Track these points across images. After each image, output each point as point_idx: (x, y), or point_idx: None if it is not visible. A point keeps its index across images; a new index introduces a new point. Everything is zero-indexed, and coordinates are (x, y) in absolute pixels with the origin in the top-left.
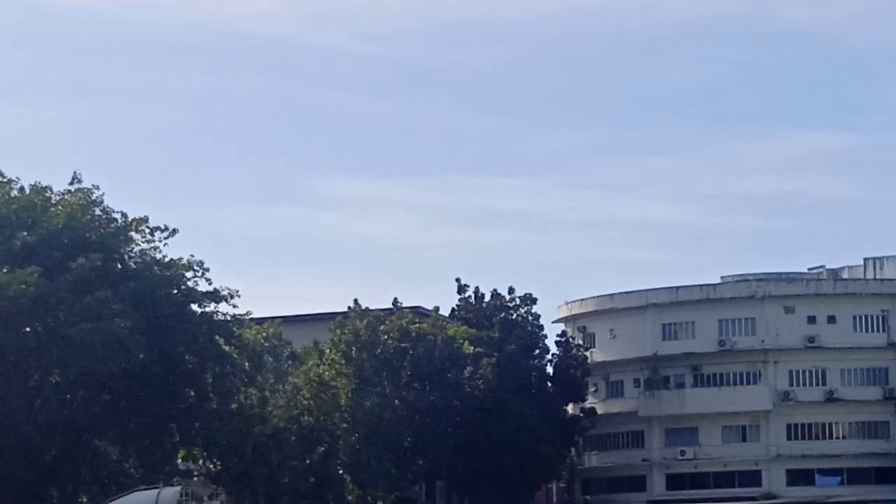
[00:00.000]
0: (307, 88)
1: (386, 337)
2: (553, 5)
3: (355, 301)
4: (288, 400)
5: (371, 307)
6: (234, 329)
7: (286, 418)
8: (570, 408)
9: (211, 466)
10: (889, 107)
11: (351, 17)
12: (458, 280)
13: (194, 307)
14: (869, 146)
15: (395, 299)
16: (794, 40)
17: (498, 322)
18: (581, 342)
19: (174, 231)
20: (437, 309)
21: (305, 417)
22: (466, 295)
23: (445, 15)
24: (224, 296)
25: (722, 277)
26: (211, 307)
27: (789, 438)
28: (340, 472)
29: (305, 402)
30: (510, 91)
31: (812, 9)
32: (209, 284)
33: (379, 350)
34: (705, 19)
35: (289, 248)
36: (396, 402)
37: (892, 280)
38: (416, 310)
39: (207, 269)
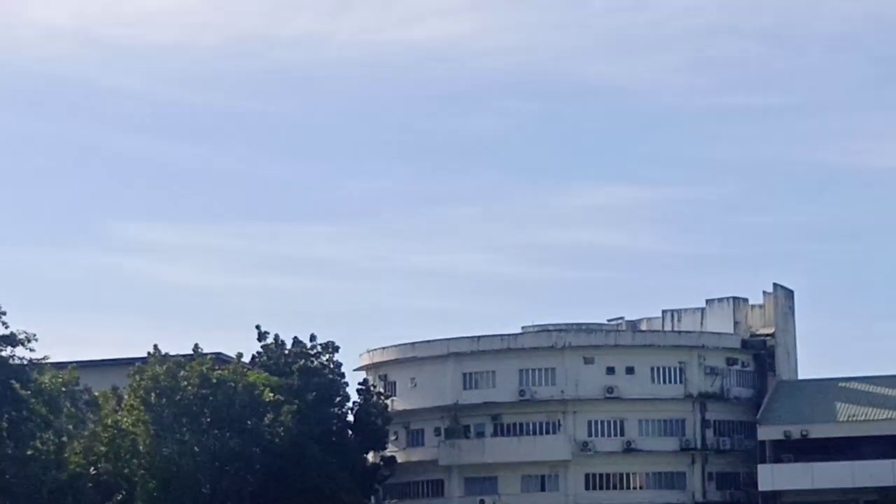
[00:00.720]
0: (105, 131)
1: (186, 383)
2: (357, 55)
3: (155, 347)
4: (85, 446)
5: (172, 353)
6: (31, 373)
7: (83, 464)
8: (370, 456)
9: None
10: (685, 161)
11: (150, 61)
12: (258, 327)
13: None
14: (666, 199)
15: (196, 345)
16: (593, 94)
17: (298, 369)
18: (382, 390)
19: None
20: (239, 356)
21: (103, 464)
22: (267, 342)
23: (247, 61)
24: (21, 339)
25: (523, 327)
26: (7, 351)
27: (588, 488)
28: None
29: (103, 449)
30: (314, 139)
31: (611, 64)
32: (5, 328)
33: (178, 396)
34: (509, 72)
35: (88, 292)
36: (195, 448)
37: (689, 332)
38: (218, 356)
39: (4, 313)
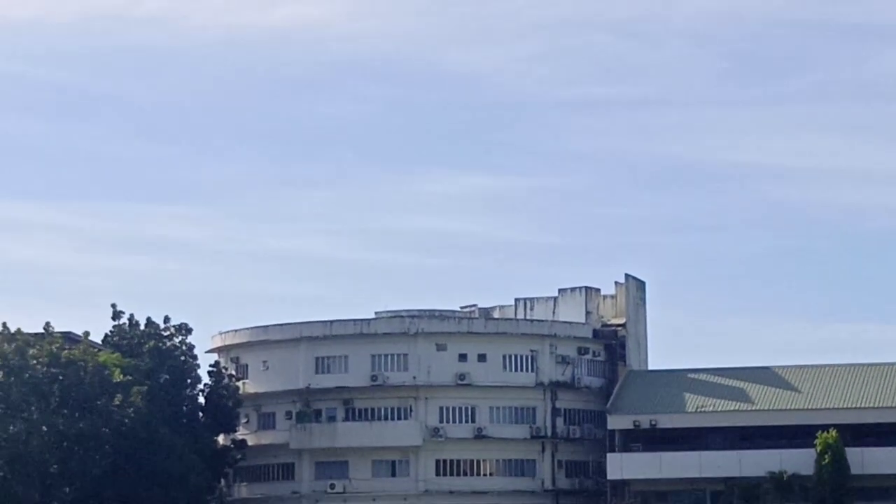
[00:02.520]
0: None
1: (35, 362)
2: (215, 36)
3: (3, 324)
4: None
5: (23, 331)
6: None
7: None
8: (220, 438)
9: None
10: (540, 151)
11: (4, 37)
12: (113, 306)
13: None
14: (521, 189)
15: (48, 323)
16: (451, 82)
17: (150, 350)
18: (234, 373)
19: None
20: (86, 334)
21: None
22: (121, 322)
23: (103, 39)
24: None
25: (376, 313)
26: None
27: (438, 474)
28: None
29: None
30: (169, 119)
31: (469, 53)
32: None
33: (27, 375)
34: (366, 57)
35: None
36: (44, 428)
37: (541, 321)
38: (68, 335)
39: None
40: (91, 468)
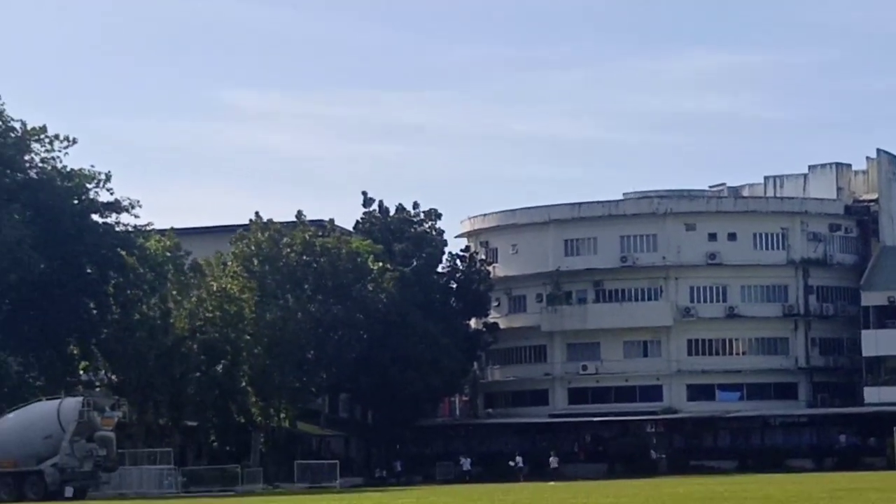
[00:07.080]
0: (208, 0)
1: (288, 250)
2: None
3: (256, 213)
4: (190, 312)
5: (275, 219)
6: (136, 240)
7: (189, 330)
8: (472, 322)
9: (113, 377)
10: (788, 25)
11: None
12: (364, 193)
13: (95, 217)
14: (770, 64)
15: (300, 212)
16: None
17: (402, 237)
18: (484, 257)
19: (74, 141)
20: (331, 221)
21: (209, 328)
22: (371, 209)
23: None
24: (125, 206)
25: (624, 194)
26: (112, 218)
27: (690, 354)
28: (244, 384)
29: (209, 314)
30: (411, 5)
31: None
32: (111, 195)
33: (281, 263)
34: None
35: (190, 159)
36: (299, 315)
37: (791, 198)
38: (319, 223)
39: (109, 180)
40: (346, 353)
